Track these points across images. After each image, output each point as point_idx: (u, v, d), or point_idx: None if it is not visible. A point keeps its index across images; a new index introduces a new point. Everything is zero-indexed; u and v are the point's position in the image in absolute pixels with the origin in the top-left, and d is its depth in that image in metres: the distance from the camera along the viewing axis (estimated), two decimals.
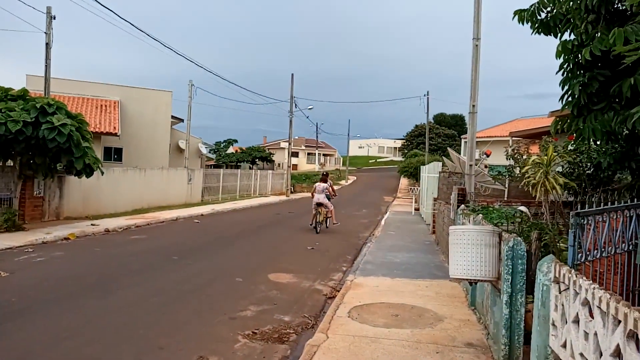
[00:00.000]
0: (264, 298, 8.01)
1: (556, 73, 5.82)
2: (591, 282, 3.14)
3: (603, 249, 4.14)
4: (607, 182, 9.93)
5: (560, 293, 3.65)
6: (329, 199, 16.72)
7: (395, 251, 12.89)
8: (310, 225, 16.89)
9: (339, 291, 8.54)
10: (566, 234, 8.71)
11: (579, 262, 3.98)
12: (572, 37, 5.42)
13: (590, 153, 9.43)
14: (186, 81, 29.33)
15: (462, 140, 38.61)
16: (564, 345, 3.49)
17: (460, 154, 20.44)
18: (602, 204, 4.61)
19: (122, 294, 7.86)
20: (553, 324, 3.77)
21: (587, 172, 10.03)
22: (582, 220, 3.95)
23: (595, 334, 2.94)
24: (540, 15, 5.83)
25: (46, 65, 16.92)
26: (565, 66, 5.31)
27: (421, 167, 29.89)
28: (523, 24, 5.91)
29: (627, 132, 6.03)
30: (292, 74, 37.70)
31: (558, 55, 5.25)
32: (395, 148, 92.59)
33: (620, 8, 4.97)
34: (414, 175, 42.61)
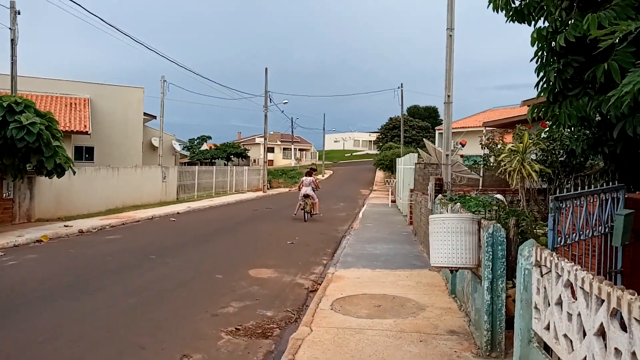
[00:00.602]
0: (245, 294, 7.94)
1: (530, 60, 5.89)
2: (573, 263, 3.18)
3: (581, 232, 4.22)
4: (580, 168, 10.16)
5: (542, 276, 3.70)
6: (314, 191, 18.35)
7: (374, 243, 12.95)
8: (294, 215, 18.51)
9: (320, 284, 8.52)
10: (542, 220, 8.89)
11: (558, 245, 4.04)
12: (546, 24, 5.49)
13: (563, 140, 9.61)
14: (158, 78, 28.87)
15: (437, 132, 39.01)
16: (547, 328, 3.54)
17: (435, 145, 20.63)
18: (577, 189, 4.70)
19: (99, 294, 7.69)
20: (535, 307, 3.82)
21: (559, 159, 10.24)
22: (561, 204, 4.00)
23: (579, 314, 2.99)
24: (514, 3, 5.88)
25: (12, 63, 16.40)
26: (540, 53, 5.38)
27: (397, 159, 30.09)
28: (497, 11, 5.95)
29: (599, 118, 6.16)
30: (266, 68, 37.52)
31: (533, 43, 5.31)
32: (370, 141, 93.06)
33: None
34: (390, 168, 42.92)
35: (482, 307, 5.34)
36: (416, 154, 19.87)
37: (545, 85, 5.37)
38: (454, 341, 5.65)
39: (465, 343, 5.59)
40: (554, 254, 3.50)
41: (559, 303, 3.36)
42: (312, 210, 18.46)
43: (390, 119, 68.34)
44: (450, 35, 10.22)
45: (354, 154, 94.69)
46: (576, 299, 3.06)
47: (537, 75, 5.44)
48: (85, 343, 5.64)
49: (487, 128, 20.33)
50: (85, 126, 24.02)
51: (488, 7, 6.05)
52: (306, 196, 18.14)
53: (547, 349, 3.76)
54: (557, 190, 10.21)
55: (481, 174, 15.48)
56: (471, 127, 28.45)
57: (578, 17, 4.72)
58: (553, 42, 5.14)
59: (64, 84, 26.77)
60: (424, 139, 22.40)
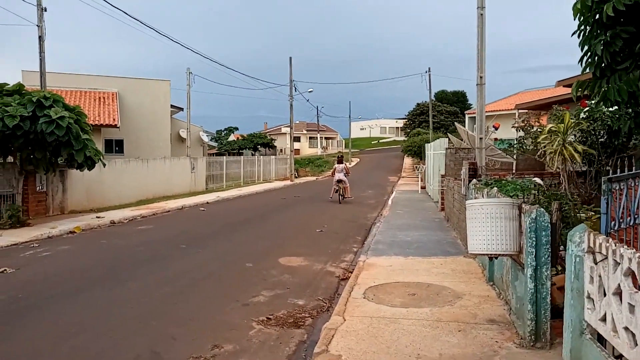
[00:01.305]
0: (276, 283, 7.82)
1: (572, 34, 5.52)
2: (635, 250, 2.90)
3: (636, 216, 3.91)
4: (622, 149, 9.63)
5: (596, 264, 3.42)
6: (345, 177, 20.21)
7: (405, 230, 12.69)
8: (330, 198, 20.60)
9: (351, 272, 8.35)
10: (582, 204, 8.48)
11: (611, 230, 3.75)
12: None
13: (604, 120, 9.13)
14: (184, 70, 28.97)
15: (467, 116, 38.18)
16: (603, 319, 3.27)
17: (466, 129, 20.11)
18: (622, 171, 4.37)
19: (131, 285, 7.69)
20: (588, 297, 3.55)
21: (600, 140, 9.75)
22: (615, 186, 3.70)
23: None
24: None
25: (40, 59, 16.59)
26: (583, 27, 5.01)
27: (426, 145, 29.56)
28: None
29: None
30: (290, 58, 37.23)
31: (575, 15, 4.94)
32: (397, 128, 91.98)
33: None
34: (418, 154, 42.27)
35: (525, 295, 5.07)
36: (446, 139, 19.41)
37: (590, 60, 5.01)
38: (495, 331, 5.40)
39: (507, 333, 5.33)
40: (610, 239, 3.22)
41: (618, 293, 3.08)
42: (344, 193, 20.19)
43: (418, 104, 67.33)
44: (482, 14, 9.79)
45: (380, 141, 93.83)
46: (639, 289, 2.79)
47: (581, 50, 5.08)
48: (117, 334, 5.60)
49: (520, 110, 19.70)
50: (114, 119, 24.31)
51: None
52: (339, 181, 19.97)
53: (600, 340, 3.50)
54: (597, 173, 9.76)
55: (514, 157, 15.00)
56: (502, 110, 27.69)
57: None
58: (598, 13, 4.77)
59: (91, 78, 27.13)
60: (455, 123, 21.93)
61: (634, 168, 4.48)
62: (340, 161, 20.85)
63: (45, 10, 16.65)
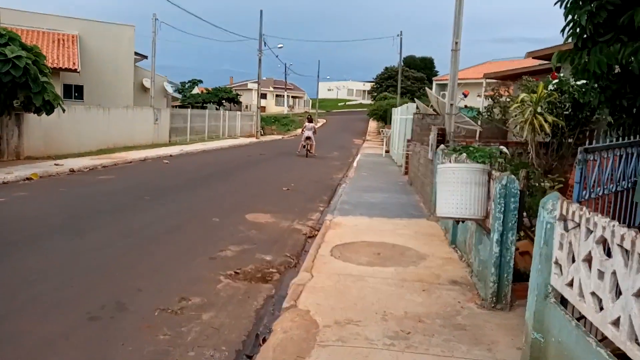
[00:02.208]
0: (243, 238, 7.79)
1: (555, 4, 5.52)
2: (609, 219, 2.99)
3: (605, 187, 4.03)
4: (585, 122, 9.92)
5: (567, 231, 3.52)
6: (313, 135, 22.52)
7: (371, 192, 12.81)
8: (298, 152, 22.70)
9: (318, 231, 8.40)
10: (545, 173, 8.73)
11: (582, 199, 3.85)
12: None
13: (571, 93, 9.31)
14: (149, 16, 27.68)
15: (434, 83, 38.38)
16: (570, 284, 3.39)
17: (435, 95, 20.19)
18: (582, 143, 4.47)
19: (93, 235, 7.50)
20: (556, 263, 3.66)
21: (564, 112, 9.97)
22: (589, 157, 3.78)
23: (614, 272, 2.82)
24: None
25: None
26: None
27: (392, 109, 29.63)
28: None
29: (618, 70, 5.86)
30: (261, 11, 36.18)
31: None
32: (364, 91, 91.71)
33: None
34: (384, 119, 42.42)
35: (490, 259, 5.22)
36: (414, 104, 19.47)
37: (573, 31, 5.03)
38: (457, 292, 5.57)
39: (469, 294, 5.51)
40: (585, 208, 3.30)
41: (588, 260, 3.19)
42: (311, 149, 22.38)
43: (386, 68, 67.02)
44: None
45: (347, 103, 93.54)
46: (610, 257, 2.88)
47: (565, 19, 5.08)
48: (79, 284, 5.48)
49: (487, 80, 19.90)
50: (74, 63, 23.12)
51: None
52: (308, 138, 22.24)
53: (563, 304, 3.64)
54: (560, 145, 10.04)
55: (479, 124, 15.22)
56: (470, 78, 27.89)
57: None
58: None
59: (51, 18, 25.53)
60: (426, 89, 21.99)
61: (594, 142, 4.59)
62: (310, 120, 23.56)
63: None
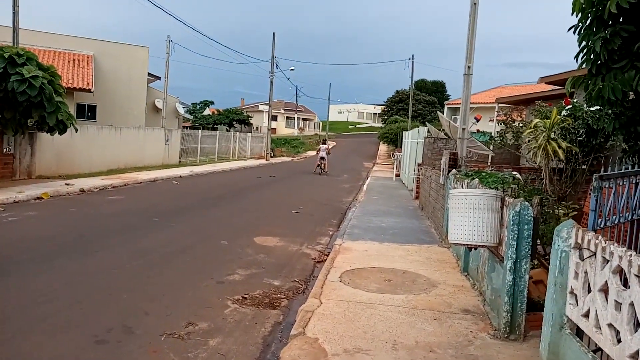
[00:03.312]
0: (251, 262, 7.73)
1: (568, 30, 5.51)
2: (625, 248, 2.91)
3: (621, 215, 3.94)
4: (599, 149, 9.82)
5: (582, 260, 3.43)
6: (327, 155, 26.04)
7: (381, 216, 12.73)
8: (314, 172, 25.72)
9: (327, 255, 8.32)
10: (558, 200, 8.62)
11: (598, 227, 3.77)
12: None
13: (585, 119, 9.24)
14: (163, 38, 28.18)
15: (446, 107, 38.44)
16: (586, 315, 3.29)
17: (447, 119, 20.18)
18: (597, 170, 4.39)
19: (102, 255, 7.48)
20: (572, 292, 3.57)
21: (578, 138, 9.89)
22: (604, 184, 3.71)
23: (632, 304, 2.73)
24: None
25: (14, 13, 15.81)
26: (583, 22, 4.99)
27: (403, 132, 29.67)
28: None
29: (633, 96, 5.81)
30: (274, 33, 36.67)
31: (576, 9, 4.91)
32: (375, 114, 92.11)
33: None
34: (394, 142, 42.49)
35: (503, 287, 5.11)
36: (425, 128, 19.47)
37: (587, 57, 5.00)
38: (469, 321, 5.45)
39: (481, 323, 5.38)
40: (600, 237, 3.22)
41: (604, 290, 3.10)
42: (325, 168, 25.76)
43: (397, 91, 67.38)
44: (475, 4, 9.74)
45: (357, 125, 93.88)
46: (628, 287, 2.80)
47: (579, 45, 5.06)
48: (87, 305, 5.43)
49: (500, 104, 19.87)
50: (88, 83, 23.50)
51: None
52: (322, 158, 25.69)
53: (579, 335, 3.53)
54: (574, 171, 9.93)
55: (491, 149, 15.15)
56: (482, 103, 27.92)
57: None
58: (599, 9, 4.74)
59: (67, 39, 26.07)
60: (438, 112, 22.00)
61: (609, 168, 4.52)
62: (324, 142, 28.64)
63: None
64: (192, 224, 10.41)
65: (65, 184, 14.61)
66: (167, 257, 7.64)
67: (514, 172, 9.11)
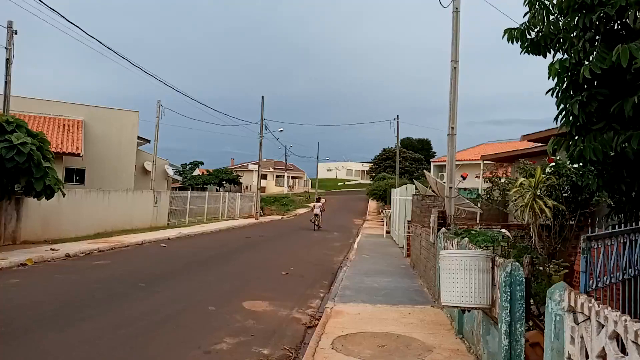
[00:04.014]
0: (239, 329, 7.49)
1: (546, 93, 5.69)
2: (620, 312, 2.86)
3: (612, 275, 3.91)
4: (585, 205, 9.91)
5: (577, 324, 3.37)
6: (321, 212, 28.51)
7: (372, 275, 12.55)
8: (312, 228, 27.75)
9: (319, 320, 8.10)
10: (548, 257, 8.59)
11: (590, 289, 3.73)
12: (564, 56, 5.31)
13: (569, 176, 9.38)
14: (153, 103, 28.70)
15: (432, 164, 38.97)
16: None
17: (432, 176, 20.40)
18: (583, 227, 4.42)
19: (84, 326, 7.21)
20: (569, 358, 3.47)
21: (563, 195, 9.99)
22: (593, 245, 3.71)
23: None
24: (530, 35, 5.72)
25: (6, 82, 16.12)
26: (559, 86, 5.17)
27: (392, 190, 29.84)
28: (513, 42, 5.78)
29: (613, 153, 5.94)
30: (262, 97, 37.55)
31: (552, 74, 5.10)
32: (363, 171, 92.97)
33: (616, 28, 4.89)
34: (383, 198, 42.66)
35: (499, 352, 4.98)
36: (413, 185, 19.63)
37: (565, 119, 5.15)
38: None
39: None
40: (593, 300, 3.18)
41: (602, 356, 3.02)
42: (319, 223, 27.92)
43: (384, 149, 68.42)
44: (455, 67, 10.10)
45: (346, 183, 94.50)
46: (627, 354, 2.73)
47: (557, 108, 5.22)
48: None
49: (484, 162, 20.20)
50: (77, 148, 23.62)
51: (503, 37, 5.88)
52: (316, 215, 28.06)
53: None
54: (562, 228, 9.97)
55: (479, 206, 15.23)
56: (467, 160, 28.38)
57: (603, 48, 4.53)
58: (574, 74, 4.93)
59: (58, 105, 26.46)
60: (424, 171, 22.26)
61: (596, 227, 4.55)
62: (318, 200, 32.22)
63: (16, 34, 16.32)
64: (179, 290, 10.16)
65: (51, 249, 14.34)
66: (152, 326, 7.39)
67: (503, 230, 9.13)
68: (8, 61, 16.15)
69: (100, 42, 18.14)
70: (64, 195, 14.78)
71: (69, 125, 25.28)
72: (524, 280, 4.90)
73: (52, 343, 6.38)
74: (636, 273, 4.28)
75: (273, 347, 6.72)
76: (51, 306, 8.27)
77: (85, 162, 25.36)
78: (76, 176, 26.03)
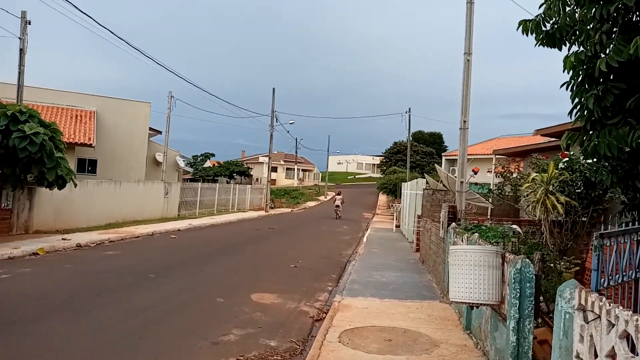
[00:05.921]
0: (247, 320, 7.51)
1: (561, 87, 5.59)
2: (631, 312, 2.80)
3: (624, 273, 3.84)
4: (598, 201, 9.76)
5: (587, 323, 3.31)
6: (341, 204, 32.98)
7: (381, 270, 12.52)
8: (335, 217, 31.88)
9: (326, 313, 8.10)
10: (559, 253, 8.48)
11: (601, 287, 3.66)
12: (580, 49, 5.20)
13: (582, 172, 9.24)
14: (165, 94, 28.75)
15: (443, 158, 38.73)
16: None
17: (443, 170, 20.26)
18: (596, 223, 4.33)
19: (94, 315, 7.27)
20: (578, 357, 3.42)
21: (576, 191, 9.85)
22: (606, 242, 3.63)
23: None
24: (545, 27, 5.61)
25: (19, 72, 16.22)
26: (574, 79, 5.07)
27: (402, 184, 29.72)
28: (527, 34, 5.68)
29: (628, 149, 5.82)
30: (274, 89, 37.48)
31: (567, 68, 5.00)
32: (373, 165, 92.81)
33: (634, 20, 4.77)
34: (393, 192, 42.52)
35: (507, 348, 4.93)
36: (424, 180, 19.51)
37: (580, 113, 5.05)
38: None
39: None
40: (604, 299, 3.12)
41: (611, 356, 2.96)
42: (340, 214, 32.33)
43: (395, 143, 68.08)
44: (468, 60, 9.98)
45: (357, 176, 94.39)
46: (637, 354, 2.67)
47: (572, 102, 5.12)
48: None
49: (497, 156, 20.02)
50: (89, 138, 23.79)
51: (518, 29, 5.78)
52: (337, 206, 32.70)
53: None
54: (574, 224, 9.84)
55: (490, 201, 15.10)
56: (479, 154, 28.16)
57: (621, 41, 4.42)
58: (591, 68, 4.82)
59: (71, 95, 26.64)
60: (435, 165, 22.10)
61: (609, 224, 4.46)
62: (339, 194, 34.96)
63: (29, 24, 16.40)
64: (188, 281, 10.21)
65: (62, 238, 14.48)
66: (161, 317, 7.44)
67: (514, 226, 9.03)
68: (22, 51, 16.25)
69: (112, 32, 18.19)
70: (75, 185, 14.89)
71: (81, 116, 25.46)
72: (533, 277, 4.83)
73: (62, 331, 6.44)
74: None
75: (280, 339, 6.73)
76: (61, 295, 8.35)
77: (97, 153, 25.56)
78: (88, 167, 26.25)
